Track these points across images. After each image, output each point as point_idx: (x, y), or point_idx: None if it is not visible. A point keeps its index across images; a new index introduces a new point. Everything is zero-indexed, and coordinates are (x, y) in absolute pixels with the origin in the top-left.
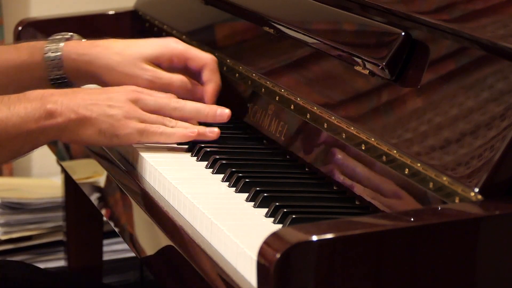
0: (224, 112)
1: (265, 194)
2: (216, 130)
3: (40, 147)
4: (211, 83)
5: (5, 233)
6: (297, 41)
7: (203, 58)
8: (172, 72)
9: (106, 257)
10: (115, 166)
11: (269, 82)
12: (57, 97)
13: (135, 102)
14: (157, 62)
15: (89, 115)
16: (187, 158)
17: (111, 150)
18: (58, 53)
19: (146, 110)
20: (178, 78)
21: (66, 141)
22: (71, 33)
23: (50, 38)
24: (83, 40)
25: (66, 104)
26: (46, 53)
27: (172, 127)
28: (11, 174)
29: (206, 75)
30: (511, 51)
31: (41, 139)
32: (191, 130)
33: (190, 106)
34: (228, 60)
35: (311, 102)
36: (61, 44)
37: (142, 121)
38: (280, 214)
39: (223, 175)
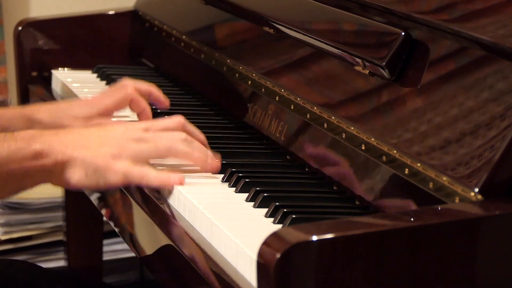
0: (215, 162)
1: (265, 194)
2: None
3: None
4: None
5: (5, 233)
6: (297, 41)
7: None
8: None
9: (106, 257)
10: None
11: (269, 82)
12: (47, 137)
13: (132, 139)
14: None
15: (75, 156)
16: None
17: None
18: None
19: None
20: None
21: (57, 185)
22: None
23: None
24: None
25: (55, 144)
26: None
27: (168, 150)
28: None
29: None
30: (511, 51)
31: (27, 181)
32: (173, 179)
33: (182, 148)
34: (228, 60)
35: (311, 102)
36: None
37: (133, 158)
38: (280, 214)
39: (223, 175)
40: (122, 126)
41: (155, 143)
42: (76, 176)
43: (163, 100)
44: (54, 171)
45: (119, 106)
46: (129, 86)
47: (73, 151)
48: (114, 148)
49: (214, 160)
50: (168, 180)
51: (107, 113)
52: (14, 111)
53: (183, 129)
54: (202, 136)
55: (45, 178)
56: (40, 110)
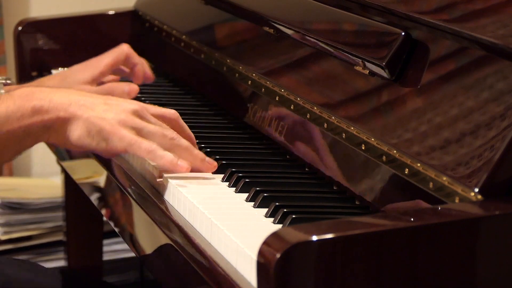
0: (212, 161)
1: (265, 194)
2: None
3: (35, 146)
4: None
5: (5, 233)
6: (297, 41)
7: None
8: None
9: (106, 257)
10: (115, 165)
11: (269, 82)
12: (47, 93)
13: (135, 113)
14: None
15: (80, 114)
16: None
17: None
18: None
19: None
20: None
21: (52, 142)
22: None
23: None
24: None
25: (56, 101)
26: None
27: (172, 139)
28: (11, 174)
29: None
30: (511, 51)
31: (27, 140)
32: (182, 163)
33: (184, 142)
34: (228, 60)
35: (311, 102)
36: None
37: (138, 130)
38: (280, 214)
39: (223, 175)
40: (125, 100)
41: (161, 127)
42: (77, 133)
43: (150, 74)
44: (53, 127)
45: (116, 62)
46: (124, 44)
47: (77, 110)
48: (120, 115)
49: (210, 159)
50: (175, 162)
51: (107, 72)
52: (23, 86)
53: (177, 122)
54: (192, 135)
55: (43, 135)
56: (50, 79)
